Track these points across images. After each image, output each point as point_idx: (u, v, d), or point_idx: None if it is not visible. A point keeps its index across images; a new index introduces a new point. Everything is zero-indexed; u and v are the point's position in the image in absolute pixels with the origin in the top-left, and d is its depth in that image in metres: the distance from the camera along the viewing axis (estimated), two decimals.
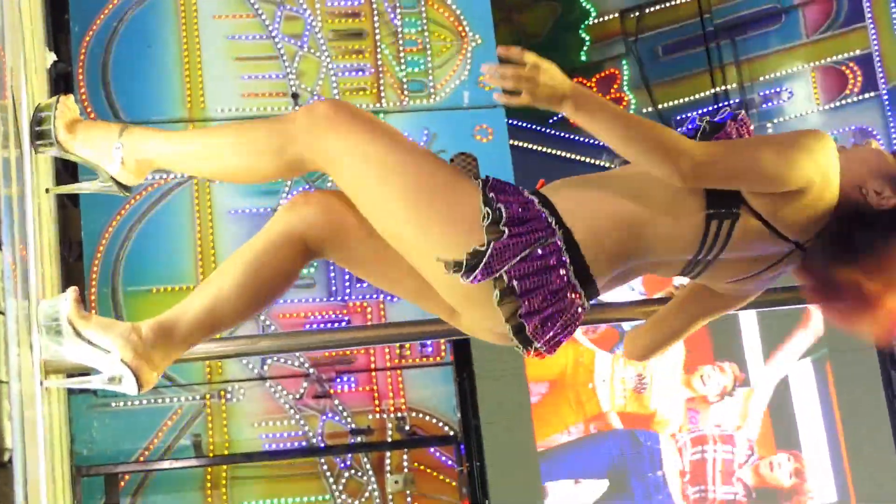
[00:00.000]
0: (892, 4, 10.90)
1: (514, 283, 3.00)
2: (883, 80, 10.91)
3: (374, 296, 9.61)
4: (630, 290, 9.09)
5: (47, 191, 5.40)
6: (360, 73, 10.09)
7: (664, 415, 9.48)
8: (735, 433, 9.46)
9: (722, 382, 9.51)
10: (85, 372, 3.32)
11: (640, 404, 9.49)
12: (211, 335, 3.27)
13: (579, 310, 3.09)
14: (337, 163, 3.11)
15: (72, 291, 3.18)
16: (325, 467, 9.30)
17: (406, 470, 9.37)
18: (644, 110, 11.57)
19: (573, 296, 3.06)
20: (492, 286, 3.03)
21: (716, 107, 10.93)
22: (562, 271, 3.03)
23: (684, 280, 3.35)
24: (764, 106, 11.37)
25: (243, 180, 3.34)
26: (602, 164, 10.90)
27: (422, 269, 3.17)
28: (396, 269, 3.26)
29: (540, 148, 11.48)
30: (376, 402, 9.48)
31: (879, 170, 3.09)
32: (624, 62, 11.80)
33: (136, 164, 3.26)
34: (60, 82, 9.13)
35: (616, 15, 11.92)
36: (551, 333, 3.07)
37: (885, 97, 10.86)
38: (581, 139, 11.23)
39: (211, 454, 9.14)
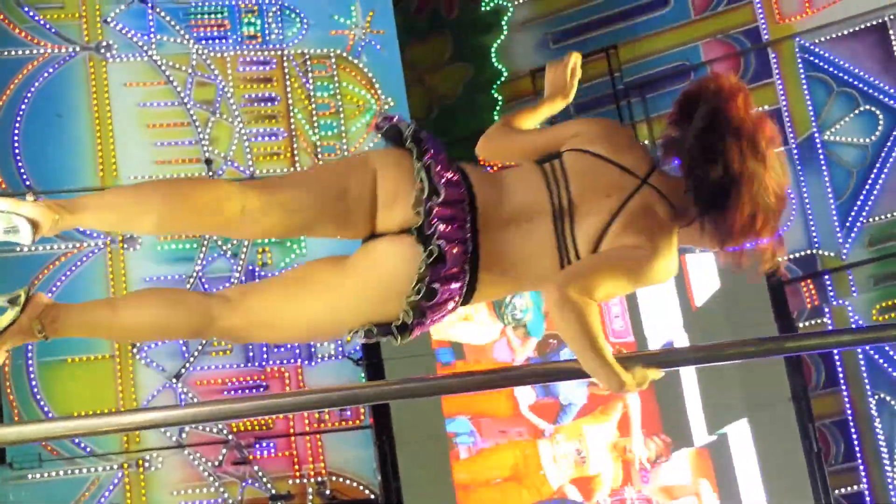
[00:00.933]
0: (799, 61, 11.08)
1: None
2: (792, 135, 11.07)
3: (292, 360, 9.58)
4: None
5: None
6: (274, 137, 10.09)
7: (604, 475, 9.67)
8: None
9: (646, 454, 9.74)
10: None
11: (582, 471, 9.67)
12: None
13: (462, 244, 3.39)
14: None
15: None
16: None
17: None
18: None
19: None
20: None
21: None
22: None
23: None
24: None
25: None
26: None
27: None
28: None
29: None
30: (296, 466, 9.44)
31: None
32: None
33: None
34: None
35: (527, 74, 11.99)
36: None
37: (795, 151, 11.02)
38: None
39: None
